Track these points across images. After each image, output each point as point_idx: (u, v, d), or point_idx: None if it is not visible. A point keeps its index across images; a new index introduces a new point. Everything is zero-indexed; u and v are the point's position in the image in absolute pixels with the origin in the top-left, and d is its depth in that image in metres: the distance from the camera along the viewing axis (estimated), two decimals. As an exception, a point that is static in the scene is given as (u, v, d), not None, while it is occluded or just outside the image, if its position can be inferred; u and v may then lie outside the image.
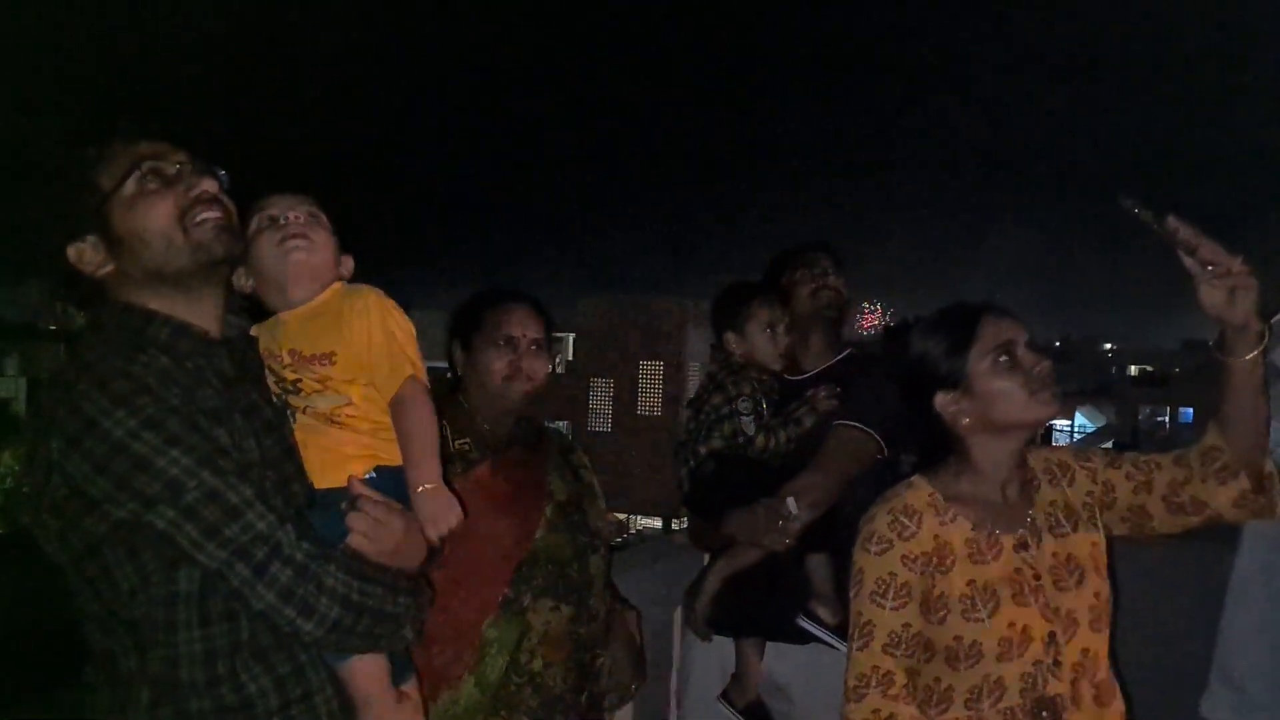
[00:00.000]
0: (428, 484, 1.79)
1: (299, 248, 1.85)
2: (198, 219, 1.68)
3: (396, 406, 1.81)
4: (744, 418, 2.77)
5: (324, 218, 1.91)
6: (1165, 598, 2.83)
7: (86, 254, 1.69)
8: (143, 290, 1.69)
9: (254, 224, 1.86)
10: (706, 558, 2.96)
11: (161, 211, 1.66)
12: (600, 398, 27.59)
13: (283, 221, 1.86)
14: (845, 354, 3.03)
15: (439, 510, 1.79)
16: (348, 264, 1.93)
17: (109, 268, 1.69)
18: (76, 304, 1.74)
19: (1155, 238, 1.80)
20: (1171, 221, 1.79)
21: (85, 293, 1.72)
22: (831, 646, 2.62)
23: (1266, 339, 1.83)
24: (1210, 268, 1.77)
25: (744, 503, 2.68)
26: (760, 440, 2.77)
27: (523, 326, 2.42)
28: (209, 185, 1.71)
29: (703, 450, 2.81)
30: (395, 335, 1.82)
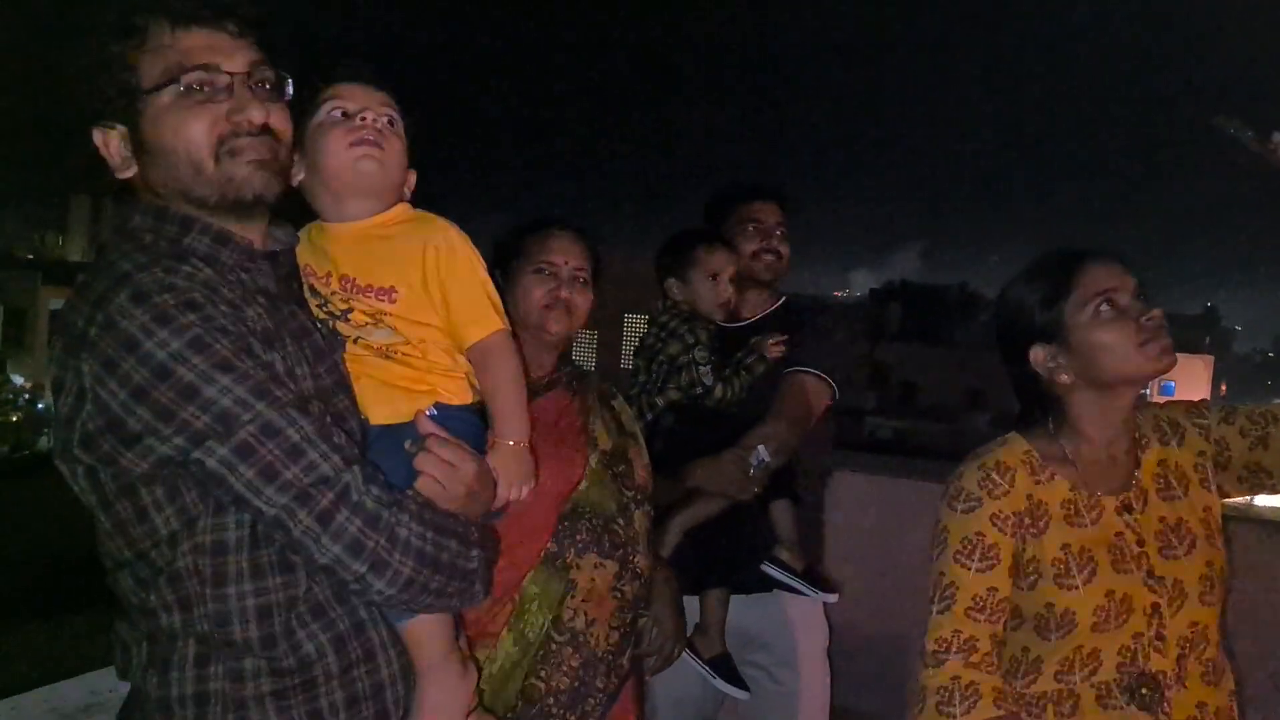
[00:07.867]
0: (514, 439, 1.65)
1: (371, 156, 1.61)
2: (233, 150, 1.43)
3: (481, 357, 1.64)
4: (701, 367, 2.69)
5: (401, 124, 1.67)
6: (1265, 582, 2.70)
7: (113, 144, 1.45)
8: (170, 201, 1.45)
9: (322, 112, 1.62)
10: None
11: (195, 132, 1.41)
12: (584, 350, 27.46)
13: (358, 121, 1.62)
14: (783, 300, 3.01)
15: (522, 469, 1.66)
16: (411, 180, 1.72)
17: (132, 170, 1.46)
18: (102, 194, 1.50)
19: (1249, 162, 1.70)
20: (1276, 138, 1.68)
21: (111, 186, 1.48)
22: (797, 592, 2.66)
23: None
24: None
25: (707, 454, 2.61)
26: (718, 391, 2.69)
27: (566, 254, 2.26)
28: (256, 114, 1.44)
29: (660, 402, 2.72)
30: (483, 283, 1.64)
